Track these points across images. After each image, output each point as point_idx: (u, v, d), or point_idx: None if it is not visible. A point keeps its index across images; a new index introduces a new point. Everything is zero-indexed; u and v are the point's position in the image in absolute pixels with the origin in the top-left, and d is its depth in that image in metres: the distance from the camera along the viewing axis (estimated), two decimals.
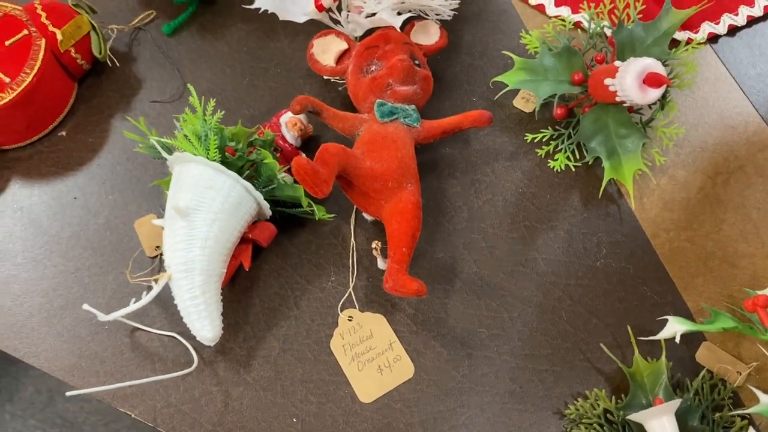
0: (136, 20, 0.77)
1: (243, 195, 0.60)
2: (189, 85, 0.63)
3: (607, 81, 0.64)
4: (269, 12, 0.71)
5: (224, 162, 0.59)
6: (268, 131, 0.64)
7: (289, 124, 0.67)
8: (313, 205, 0.63)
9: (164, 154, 0.61)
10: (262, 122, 0.69)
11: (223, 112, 0.62)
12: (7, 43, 0.67)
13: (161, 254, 0.65)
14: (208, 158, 0.59)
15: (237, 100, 0.73)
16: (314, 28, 0.74)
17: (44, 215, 0.68)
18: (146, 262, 0.65)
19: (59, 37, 0.67)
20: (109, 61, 0.73)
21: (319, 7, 0.69)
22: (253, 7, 0.72)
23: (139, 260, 0.65)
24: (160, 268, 0.65)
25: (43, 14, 0.68)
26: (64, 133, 0.71)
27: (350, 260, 0.65)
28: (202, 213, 0.58)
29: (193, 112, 0.61)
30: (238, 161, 0.60)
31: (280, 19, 0.71)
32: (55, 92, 0.70)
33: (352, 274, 0.65)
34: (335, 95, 0.74)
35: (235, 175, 0.59)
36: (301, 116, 0.67)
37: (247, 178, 0.61)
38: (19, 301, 0.64)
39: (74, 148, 0.71)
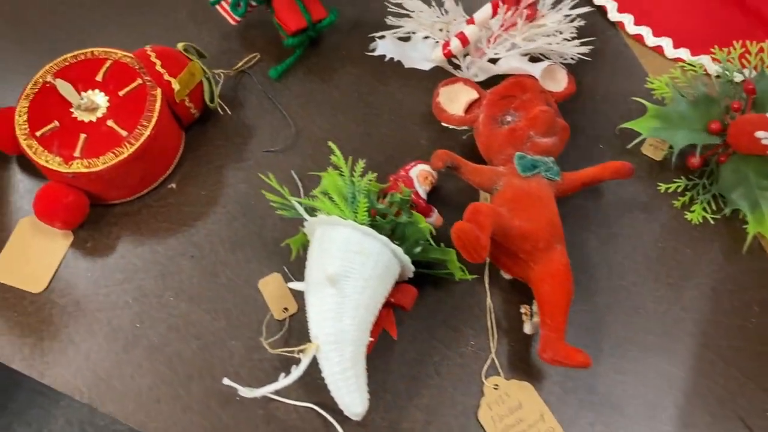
0: (241, 63, 0.74)
1: (390, 258, 0.56)
2: (331, 144, 0.60)
3: (760, 134, 0.61)
4: (395, 60, 0.68)
5: (372, 224, 0.56)
6: (404, 187, 0.61)
7: (421, 178, 0.63)
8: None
9: (306, 216, 0.57)
10: (383, 173, 0.65)
11: (375, 174, 0.58)
12: (120, 93, 0.64)
13: (290, 316, 0.62)
14: (356, 221, 0.55)
15: (353, 150, 0.69)
16: (427, 72, 0.71)
17: (159, 275, 0.64)
18: (273, 325, 0.61)
19: (176, 86, 0.64)
20: (219, 109, 0.69)
21: (447, 54, 0.66)
22: (376, 54, 0.69)
23: (262, 319, 0.61)
24: (290, 331, 0.61)
25: (158, 62, 0.64)
26: (173, 186, 0.68)
27: (488, 322, 0.62)
28: (353, 280, 0.54)
29: (335, 170, 0.58)
30: (386, 223, 0.56)
31: (406, 66, 0.68)
32: (168, 143, 0.66)
33: (492, 337, 0.61)
34: (453, 143, 0.70)
35: (385, 239, 0.55)
36: (431, 169, 0.64)
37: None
38: (142, 371, 0.60)
39: (185, 201, 0.67)
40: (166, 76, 0.64)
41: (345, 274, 0.54)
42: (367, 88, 0.74)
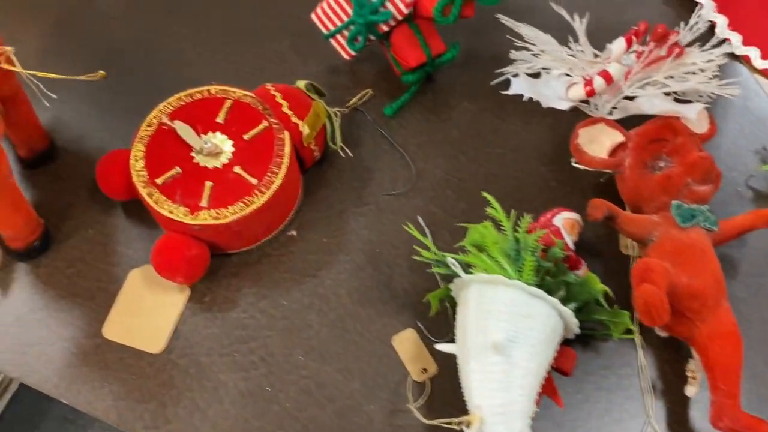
0: (354, 100, 0.69)
1: (557, 321, 0.52)
2: (486, 194, 0.56)
3: None
4: (533, 99, 0.64)
5: (538, 284, 0.51)
6: (557, 239, 0.56)
7: (568, 227, 0.59)
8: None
9: (461, 274, 0.53)
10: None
11: (545, 231, 0.54)
12: (245, 136, 0.59)
13: (431, 378, 0.57)
14: (522, 281, 0.51)
15: (478, 193, 0.65)
16: (549, 109, 0.67)
17: (285, 331, 0.59)
18: (412, 387, 0.57)
19: (305, 130, 0.59)
20: (341, 152, 0.65)
21: (590, 93, 0.62)
22: (511, 93, 0.65)
23: (400, 380, 0.57)
24: (432, 395, 0.57)
25: (285, 103, 0.60)
26: (294, 233, 0.63)
27: (643, 384, 0.58)
28: (520, 346, 0.50)
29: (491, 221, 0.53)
30: (554, 284, 0.52)
31: (543, 106, 0.64)
32: (293, 189, 0.62)
33: (649, 400, 0.57)
34: (585, 186, 0.66)
35: (554, 300, 0.51)
36: (577, 217, 0.60)
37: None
38: None
39: (307, 249, 0.63)
40: (294, 119, 0.59)
41: (511, 340, 0.50)
42: (487, 125, 0.70)
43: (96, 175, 0.61)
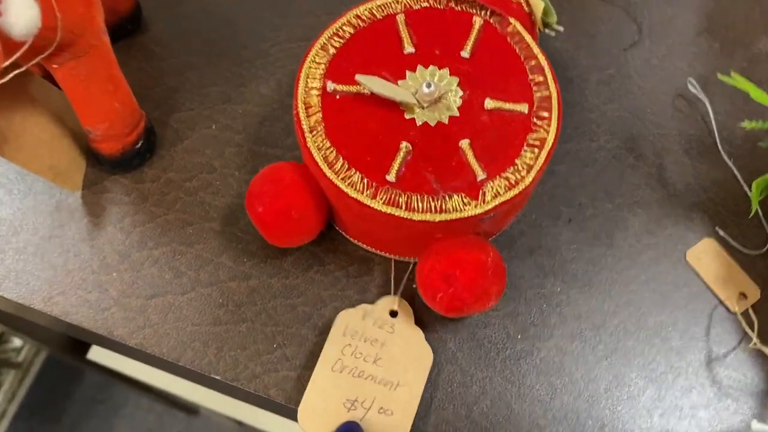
0: None
1: None
2: None
3: None
4: None
5: None
6: None
7: None
8: None
9: None
10: None
11: None
12: (463, 53, 0.37)
13: (753, 305, 0.39)
14: None
15: (759, 44, 0.46)
16: None
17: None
18: (726, 321, 0.38)
19: (537, 5, 0.39)
20: (548, 31, 0.44)
21: None
22: None
23: (710, 311, 0.38)
24: (762, 330, 0.38)
25: None
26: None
27: None
28: None
29: None
30: None
31: None
32: None
33: None
34: None
35: None
36: None
37: None
38: None
39: None
40: None
41: None
42: None
43: (254, 214, 0.36)
